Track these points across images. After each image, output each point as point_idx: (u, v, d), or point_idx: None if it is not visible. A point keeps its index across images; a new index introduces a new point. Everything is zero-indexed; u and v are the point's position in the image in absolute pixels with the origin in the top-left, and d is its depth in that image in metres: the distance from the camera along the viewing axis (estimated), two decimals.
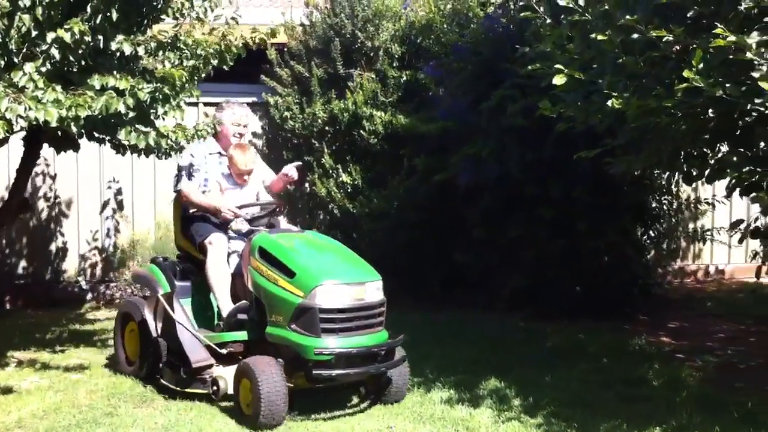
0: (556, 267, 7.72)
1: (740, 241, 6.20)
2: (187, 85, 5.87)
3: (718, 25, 4.19)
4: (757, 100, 4.28)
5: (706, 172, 5.79)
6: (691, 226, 9.97)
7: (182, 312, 5.56)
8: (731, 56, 4.30)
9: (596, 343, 6.90)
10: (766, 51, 4.08)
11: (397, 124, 8.47)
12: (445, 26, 8.56)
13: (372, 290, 5.15)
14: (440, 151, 8.14)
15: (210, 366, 5.37)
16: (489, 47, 7.82)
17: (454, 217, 8.21)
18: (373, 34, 8.75)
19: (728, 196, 6.28)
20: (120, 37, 5.51)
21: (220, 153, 6.05)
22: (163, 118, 5.86)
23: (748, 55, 4.12)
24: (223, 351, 5.38)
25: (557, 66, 5.15)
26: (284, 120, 8.92)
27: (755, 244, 7.58)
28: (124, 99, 5.25)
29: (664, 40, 4.52)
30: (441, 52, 8.57)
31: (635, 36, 4.70)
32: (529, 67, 5.80)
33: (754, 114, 4.66)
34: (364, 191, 8.52)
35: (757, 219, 6.59)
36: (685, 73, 4.30)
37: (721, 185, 6.19)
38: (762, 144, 5.19)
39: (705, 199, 9.00)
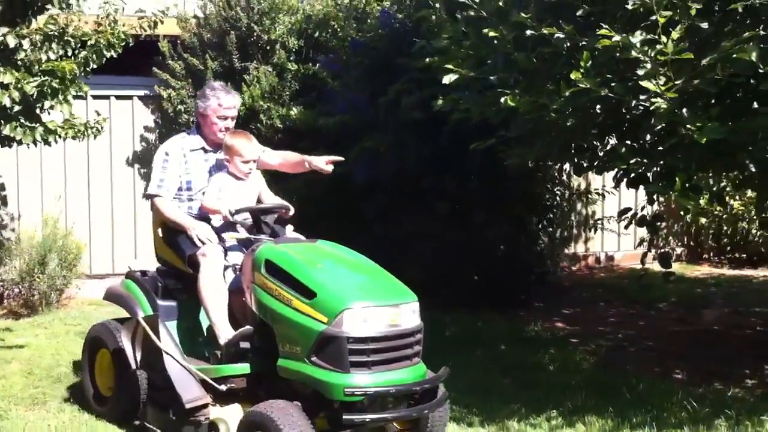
0: (454, 258, 7.85)
1: (626, 227, 6.45)
2: (77, 78, 5.68)
3: (603, 25, 4.34)
4: (641, 97, 4.45)
5: (596, 164, 6.02)
6: (582, 215, 10.30)
7: (169, 339, 4.58)
8: (618, 54, 4.47)
9: (494, 331, 7.07)
10: (650, 49, 4.24)
11: (294, 118, 8.42)
12: (342, 20, 8.55)
13: (408, 313, 4.15)
14: (339, 145, 8.11)
15: (205, 406, 4.33)
16: (386, 42, 7.86)
17: (353, 211, 8.23)
18: (269, 27, 8.65)
19: (616, 186, 6.53)
20: (3, 30, 5.27)
21: (204, 149, 5.02)
22: (49, 112, 5.64)
23: (633, 53, 4.28)
24: (222, 387, 4.36)
25: (447, 66, 5.24)
26: (178, 113, 8.72)
27: (643, 232, 7.92)
28: (9, 92, 5.03)
29: (555, 37, 4.65)
30: (339, 46, 8.56)
31: (528, 33, 4.82)
32: (427, 60, 5.86)
33: (640, 108, 4.85)
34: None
35: (643, 208, 6.85)
36: (573, 75, 4.44)
37: (611, 176, 6.44)
38: (647, 137, 5.41)
39: (595, 189, 9.32)
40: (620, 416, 4.90)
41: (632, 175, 5.68)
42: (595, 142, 6.01)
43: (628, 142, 5.57)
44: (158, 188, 4.89)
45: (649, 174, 5.61)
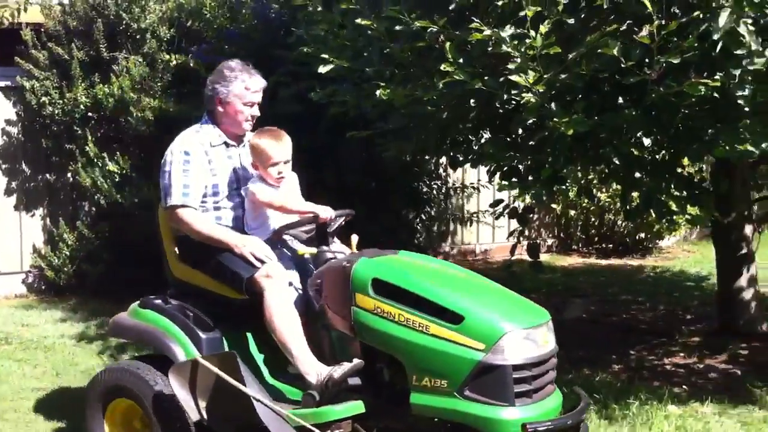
0: None
1: (496, 219, 6.58)
2: None
3: (475, 20, 4.40)
4: (513, 91, 4.54)
5: (471, 158, 6.12)
6: (459, 209, 10.48)
7: (255, 383, 3.76)
8: (490, 49, 4.54)
9: None
10: (520, 44, 4.32)
11: (167, 110, 8.17)
12: (215, 10, 8.35)
13: (551, 334, 3.67)
14: None
15: None
16: (261, 32, 7.74)
17: None
18: (139, 15, 8.35)
19: (490, 180, 6.67)
20: None
21: (226, 143, 4.17)
22: None
23: (504, 47, 4.35)
24: None
25: (323, 55, 5.19)
26: (42, 105, 8.29)
27: (516, 224, 8.12)
28: None
29: (428, 31, 4.68)
30: (213, 37, 8.36)
31: (400, 26, 4.82)
32: (305, 49, 5.79)
33: (512, 102, 4.95)
34: (134, 180, 8.14)
35: (515, 200, 7.03)
36: (445, 67, 4.48)
37: (486, 170, 6.57)
38: (520, 131, 5.54)
39: (471, 183, 9.50)
40: None
41: (505, 168, 5.82)
42: (469, 136, 6.10)
43: (501, 136, 5.69)
44: (184, 197, 3.95)
45: (521, 167, 5.76)
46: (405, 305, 3.53)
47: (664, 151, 5.57)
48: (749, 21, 4.01)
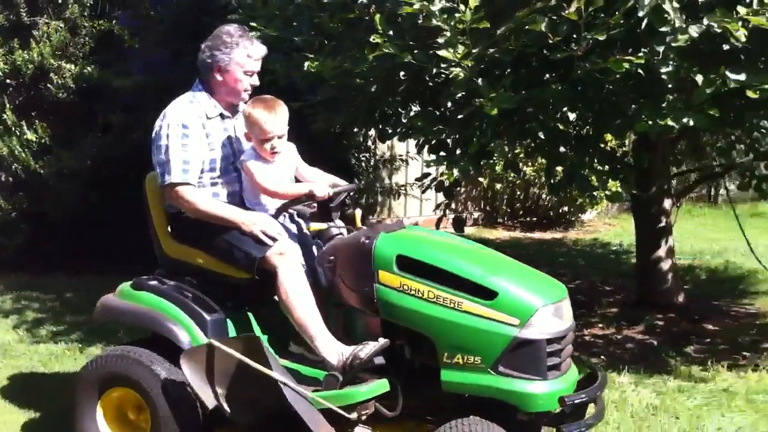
0: None
1: (423, 192, 6.62)
2: None
3: None
4: (442, 65, 4.55)
5: (399, 131, 6.13)
6: (387, 181, 10.51)
7: (279, 367, 3.47)
8: (420, 22, 4.53)
9: None
10: (450, 18, 4.33)
11: (89, 77, 7.94)
12: None
13: (570, 309, 3.64)
14: (138, 107, 7.77)
15: None
16: None
17: None
18: None
19: (419, 152, 6.70)
20: None
21: (222, 115, 3.90)
22: None
23: (434, 21, 4.36)
24: (353, 416, 3.48)
25: (252, 24, 5.11)
26: None
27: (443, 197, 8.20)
28: None
29: (358, 2, 4.65)
30: (138, 2, 8.14)
31: None
32: (233, 17, 5.68)
33: (442, 76, 4.96)
34: (53, 149, 7.91)
35: (442, 173, 7.08)
36: (375, 39, 4.47)
37: (414, 143, 6.59)
38: (449, 105, 5.57)
39: (399, 156, 9.52)
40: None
41: (433, 142, 5.85)
42: (399, 109, 6.11)
43: (430, 109, 5.71)
44: (184, 174, 3.68)
45: (449, 141, 5.81)
46: (434, 282, 3.44)
47: (588, 127, 5.69)
48: None
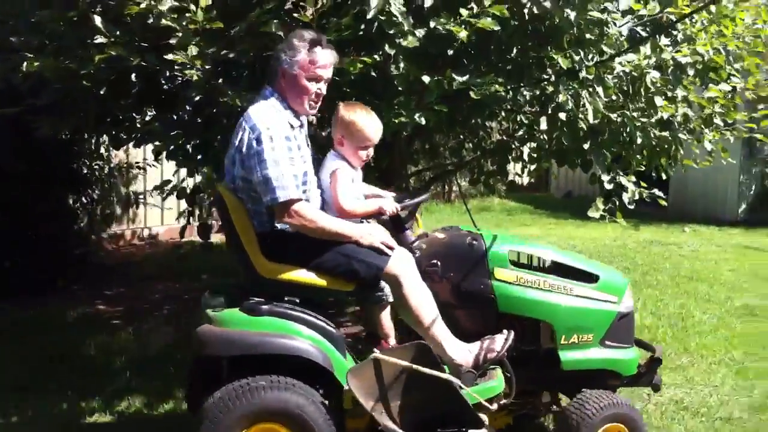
0: None
1: (163, 200, 6.37)
2: None
3: None
4: (176, 67, 4.38)
5: (134, 136, 5.84)
6: (124, 190, 10.02)
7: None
8: (150, 22, 4.33)
9: (31, 320, 6.55)
10: (181, 18, 4.18)
11: None
12: None
13: None
14: None
15: None
16: None
17: None
18: None
19: (156, 159, 6.43)
20: None
21: (301, 125, 3.75)
22: None
23: (164, 21, 4.19)
24: (494, 407, 3.67)
25: None
26: None
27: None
28: None
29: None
30: None
31: None
32: None
33: (178, 79, 4.79)
34: None
35: (183, 180, 6.86)
36: (100, 39, 4.22)
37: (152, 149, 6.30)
38: (187, 108, 5.38)
39: (137, 162, 9.10)
40: (164, 393, 4.91)
41: (172, 147, 5.63)
42: (133, 114, 5.81)
43: (168, 114, 5.49)
44: (298, 190, 3.51)
45: (188, 146, 5.62)
46: (544, 272, 3.90)
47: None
48: (400, 2, 4.24)
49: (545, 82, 4.95)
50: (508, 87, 4.73)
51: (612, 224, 5.86)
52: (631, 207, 5.59)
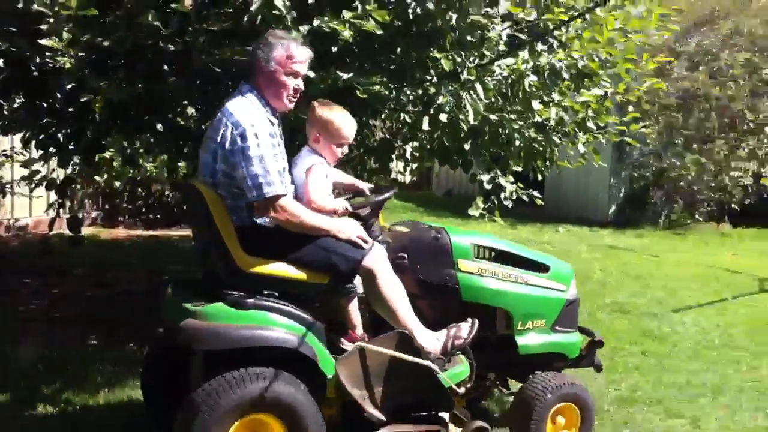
0: None
1: (31, 191, 6.12)
2: None
3: None
4: (47, 54, 4.19)
5: (1, 124, 5.56)
6: None
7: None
8: (20, 6, 4.14)
9: None
10: (53, 3, 4.01)
11: None
12: None
13: None
14: None
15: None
16: None
17: None
18: None
19: (24, 147, 6.14)
20: None
21: (270, 121, 3.67)
22: None
23: (35, 6, 4.01)
24: (462, 390, 3.93)
25: None
26: None
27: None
28: None
29: None
30: None
31: None
32: None
33: (49, 66, 4.59)
34: None
35: (54, 170, 6.58)
36: None
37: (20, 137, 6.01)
38: (58, 95, 5.16)
39: (3, 151, 8.65)
40: (28, 391, 4.69)
41: (41, 136, 5.39)
42: (0, 101, 5.53)
43: (38, 101, 5.24)
44: (283, 185, 3.57)
45: (60, 135, 5.39)
46: (503, 263, 4.14)
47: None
48: None
49: (427, 83, 5.01)
50: (392, 86, 4.76)
51: (491, 223, 6.00)
52: (509, 206, 5.75)
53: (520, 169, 6.06)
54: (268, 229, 3.69)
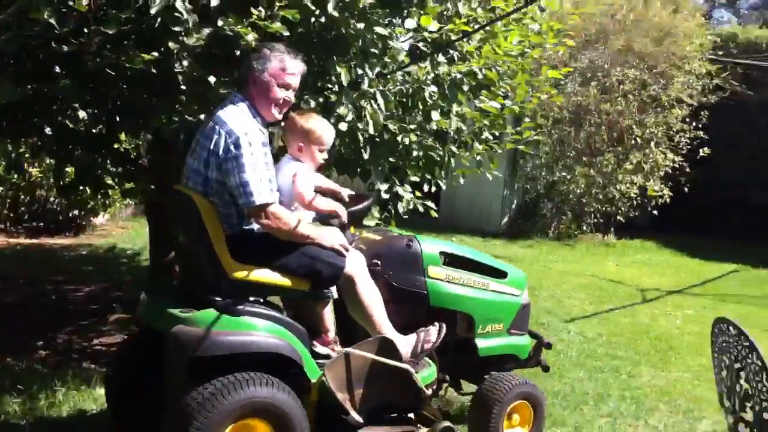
0: None
1: None
2: None
3: None
4: None
5: None
6: None
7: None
8: None
9: None
10: None
11: None
12: None
13: None
14: None
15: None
16: None
17: None
18: None
19: None
20: None
21: (260, 130, 3.70)
22: None
23: None
24: (429, 392, 4.14)
25: None
26: None
27: None
28: None
29: None
30: None
31: None
32: None
33: None
34: None
35: None
36: None
37: None
38: None
39: None
40: None
41: None
42: None
43: None
44: (273, 193, 3.63)
45: None
46: (467, 270, 4.37)
47: (101, 126, 5.45)
48: None
49: (328, 92, 4.98)
50: None
51: None
52: (405, 216, 5.79)
53: (417, 179, 6.10)
54: (257, 235, 3.75)
